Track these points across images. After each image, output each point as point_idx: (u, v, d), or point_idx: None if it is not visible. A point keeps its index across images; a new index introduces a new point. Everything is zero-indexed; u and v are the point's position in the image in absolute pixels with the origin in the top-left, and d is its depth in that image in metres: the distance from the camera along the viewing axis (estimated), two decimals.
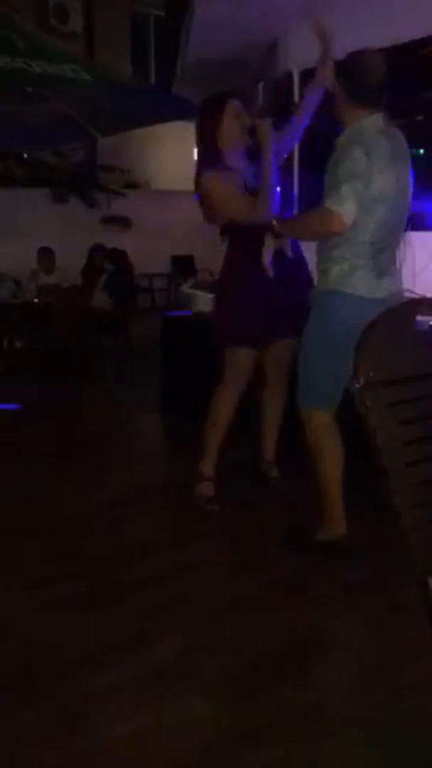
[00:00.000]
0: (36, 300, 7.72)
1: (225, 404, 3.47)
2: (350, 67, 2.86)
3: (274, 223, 3.05)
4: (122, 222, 10.45)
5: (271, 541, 3.14)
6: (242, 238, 3.37)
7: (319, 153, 3.02)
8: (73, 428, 5.23)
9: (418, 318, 1.41)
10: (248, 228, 3.29)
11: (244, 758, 1.86)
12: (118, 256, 8.30)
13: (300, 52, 5.84)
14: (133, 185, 11.58)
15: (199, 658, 2.28)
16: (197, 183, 3.41)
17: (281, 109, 6.04)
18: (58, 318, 7.42)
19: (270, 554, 3.05)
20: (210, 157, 3.39)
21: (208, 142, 3.40)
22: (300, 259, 3.50)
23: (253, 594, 2.70)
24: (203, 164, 3.43)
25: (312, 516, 2.99)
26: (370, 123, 2.82)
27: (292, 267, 3.42)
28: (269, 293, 3.35)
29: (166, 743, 1.91)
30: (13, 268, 8.02)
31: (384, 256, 2.87)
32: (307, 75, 5.90)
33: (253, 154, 3.40)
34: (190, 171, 3.77)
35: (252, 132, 3.33)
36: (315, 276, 3.12)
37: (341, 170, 2.73)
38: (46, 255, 8.24)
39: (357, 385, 1.26)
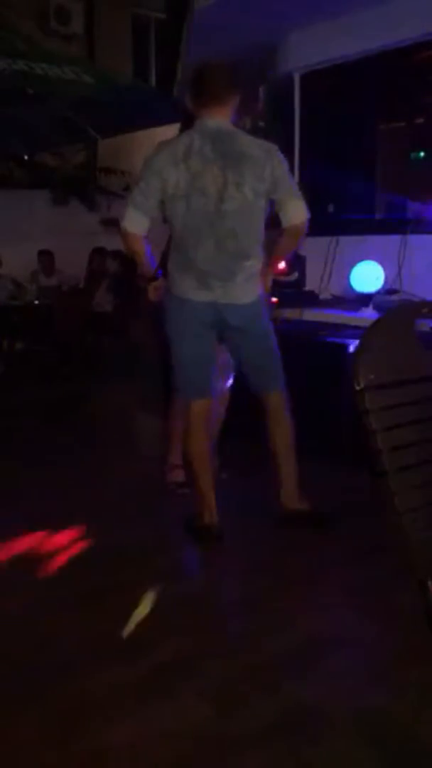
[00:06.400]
0: (36, 302, 7.74)
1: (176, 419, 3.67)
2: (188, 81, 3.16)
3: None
4: None
5: (270, 542, 3.14)
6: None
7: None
8: (74, 429, 5.23)
9: (418, 321, 1.43)
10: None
11: (244, 758, 1.86)
12: (122, 258, 8.30)
13: (301, 55, 5.85)
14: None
15: (199, 659, 2.29)
16: None
17: (282, 112, 6.05)
18: (58, 320, 7.44)
19: (271, 556, 3.06)
20: None
21: None
22: None
23: (253, 595, 2.71)
24: None
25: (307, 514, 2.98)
26: (198, 124, 3.00)
27: None
28: None
29: (167, 744, 1.92)
30: (13, 270, 8.03)
31: (201, 262, 2.98)
32: (308, 77, 5.94)
33: None
34: None
35: None
36: None
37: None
38: (46, 257, 8.26)
39: (357, 388, 1.27)
